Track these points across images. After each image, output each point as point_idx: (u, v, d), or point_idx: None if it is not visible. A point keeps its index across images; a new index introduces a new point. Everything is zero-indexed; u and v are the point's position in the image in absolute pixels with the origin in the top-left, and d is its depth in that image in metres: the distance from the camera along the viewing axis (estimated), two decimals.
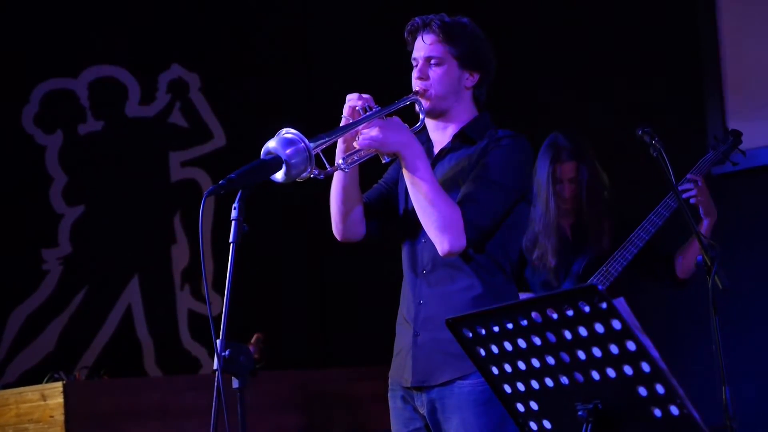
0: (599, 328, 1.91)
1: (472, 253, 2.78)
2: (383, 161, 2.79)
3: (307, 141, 2.54)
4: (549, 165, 3.92)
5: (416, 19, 2.89)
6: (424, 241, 2.84)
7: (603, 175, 4.00)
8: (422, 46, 2.86)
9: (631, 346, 1.89)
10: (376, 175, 3.05)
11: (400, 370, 2.88)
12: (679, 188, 3.77)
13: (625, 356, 1.91)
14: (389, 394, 2.94)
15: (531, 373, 2.05)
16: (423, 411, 2.83)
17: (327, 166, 2.70)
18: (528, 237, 3.96)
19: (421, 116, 2.88)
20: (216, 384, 2.21)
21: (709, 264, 3.06)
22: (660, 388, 1.90)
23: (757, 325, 4.38)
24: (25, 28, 5.74)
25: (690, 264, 3.92)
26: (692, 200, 3.78)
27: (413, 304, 2.87)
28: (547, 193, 3.92)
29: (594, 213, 3.94)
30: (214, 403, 2.22)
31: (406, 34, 2.90)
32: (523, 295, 3.85)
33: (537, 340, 2.00)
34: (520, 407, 2.12)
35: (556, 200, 3.93)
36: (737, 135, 3.99)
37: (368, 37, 5.69)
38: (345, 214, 2.88)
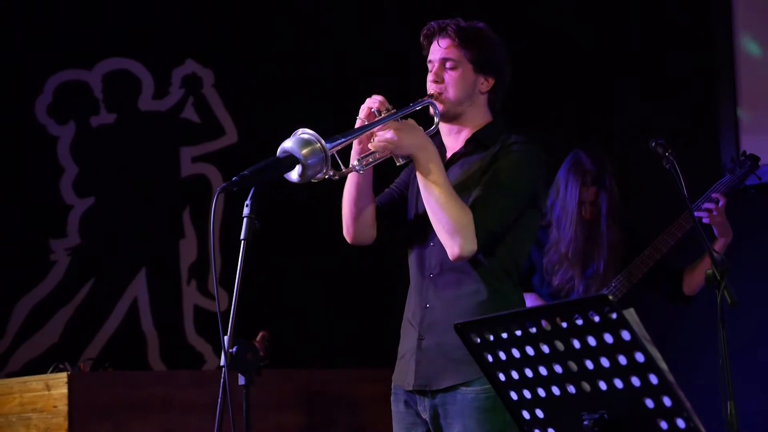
0: (608, 338, 1.90)
1: (480, 258, 2.77)
2: (398, 163, 2.80)
3: (323, 141, 2.54)
4: (578, 191, 3.94)
5: (432, 23, 2.89)
6: (432, 245, 2.83)
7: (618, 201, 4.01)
8: (438, 50, 2.86)
9: (639, 357, 1.88)
10: (390, 179, 3.05)
11: (403, 374, 2.87)
12: (702, 206, 3.79)
13: (633, 367, 1.90)
14: (392, 398, 2.94)
15: (538, 380, 2.04)
16: (425, 416, 2.83)
17: (342, 167, 2.70)
18: (550, 258, 3.97)
19: (435, 119, 2.88)
20: (222, 380, 2.21)
21: (718, 278, 3.05)
22: (667, 401, 1.89)
23: (765, 341, 4.37)
24: (41, 19, 5.76)
25: (698, 282, 3.91)
26: (705, 220, 3.78)
27: (419, 308, 2.86)
28: (576, 220, 3.94)
29: (610, 238, 3.94)
30: (219, 399, 2.22)
31: (421, 39, 2.90)
32: (527, 297, 3.86)
33: (545, 348, 1.99)
34: (526, 415, 2.11)
35: (583, 226, 3.95)
36: (755, 160, 3.99)
37: (382, 36, 5.69)
38: (356, 217, 2.87)
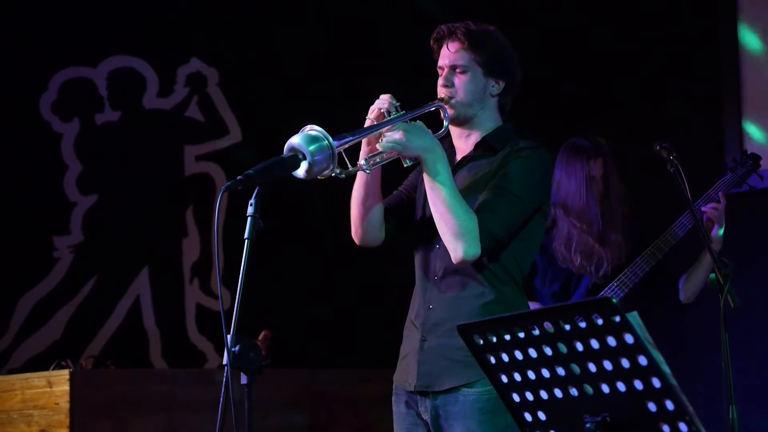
0: (611, 341, 1.90)
1: (484, 262, 2.77)
2: (405, 164, 2.79)
3: (331, 139, 2.54)
4: (584, 167, 3.89)
5: (442, 27, 2.89)
6: (438, 248, 2.83)
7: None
8: (447, 54, 2.86)
9: (642, 360, 1.88)
10: (398, 181, 3.04)
11: (405, 374, 2.87)
12: (703, 208, 3.77)
13: (636, 371, 1.89)
14: (393, 398, 2.93)
15: (540, 383, 2.04)
16: (426, 417, 2.82)
17: (349, 165, 2.70)
18: (564, 245, 3.91)
19: (445, 123, 2.88)
20: (225, 378, 2.20)
21: (721, 282, 3.05)
22: (669, 404, 1.89)
23: (767, 345, 4.36)
24: (47, 16, 5.76)
25: (694, 288, 3.88)
26: (705, 217, 3.76)
27: (423, 309, 2.86)
28: (585, 194, 3.88)
29: (621, 208, 3.90)
30: (221, 398, 2.22)
31: (431, 42, 2.90)
32: (531, 305, 3.84)
33: (548, 351, 1.99)
34: (528, 417, 2.11)
35: (595, 202, 3.90)
36: (756, 159, 3.97)
37: (388, 36, 5.70)
38: (364, 217, 2.87)
